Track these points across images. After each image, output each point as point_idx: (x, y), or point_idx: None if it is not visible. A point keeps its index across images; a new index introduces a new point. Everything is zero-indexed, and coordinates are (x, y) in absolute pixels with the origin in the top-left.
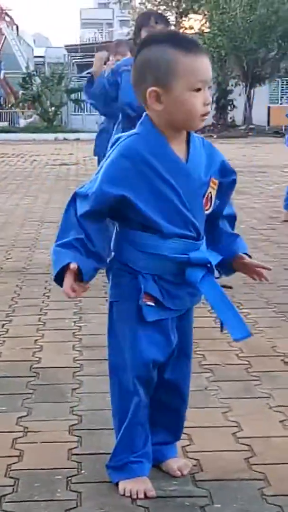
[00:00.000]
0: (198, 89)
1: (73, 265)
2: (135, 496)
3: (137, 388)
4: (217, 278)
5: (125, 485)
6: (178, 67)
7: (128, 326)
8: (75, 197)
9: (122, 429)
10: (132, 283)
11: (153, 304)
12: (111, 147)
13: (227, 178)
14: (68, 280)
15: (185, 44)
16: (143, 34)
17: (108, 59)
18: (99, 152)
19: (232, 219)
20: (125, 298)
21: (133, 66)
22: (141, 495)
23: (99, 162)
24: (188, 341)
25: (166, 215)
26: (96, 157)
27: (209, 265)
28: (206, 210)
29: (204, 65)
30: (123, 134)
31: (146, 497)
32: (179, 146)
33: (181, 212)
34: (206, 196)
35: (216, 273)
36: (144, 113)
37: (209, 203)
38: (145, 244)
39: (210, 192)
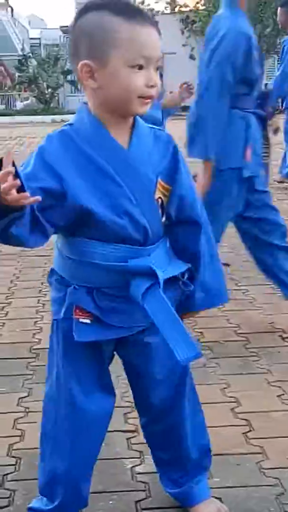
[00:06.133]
0: (140, 66)
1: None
2: None
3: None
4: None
5: None
6: (115, 36)
7: (65, 350)
8: None
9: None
10: (65, 297)
11: (88, 320)
12: None
13: (175, 191)
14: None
15: (128, 11)
16: None
17: None
18: None
19: (195, 228)
20: (61, 316)
21: (69, 37)
22: None
23: None
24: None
25: (106, 212)
26: None
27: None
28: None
29: (150, 38)
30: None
31: None
32: (120, 133)
33: (124, 206)
34: (156, 199)
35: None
36: (81, 102)
37: (160, 211)
38: (75, 250)
39: (160, 198)
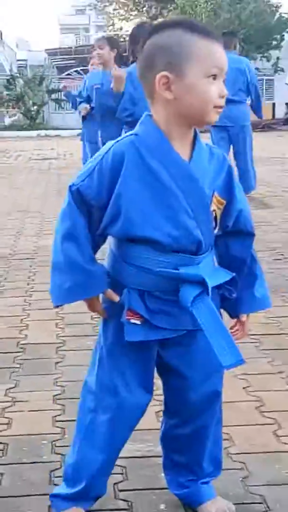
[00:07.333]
0: (214, 77)
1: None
2: None
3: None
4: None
5: None
6: (193, 50)
7: (114, 347)
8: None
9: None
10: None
11: (139, 322)
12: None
13: (233, 205)
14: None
15: (201, 29)
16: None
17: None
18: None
19: (248, 238)
20: (113, 316)
21: (141, 53)
22: None
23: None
24: (202, 372)
25: (164, 225)
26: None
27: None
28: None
29: (221, 51)
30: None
31: None
32: (183, 146)
33: (181, 219)
34: (211, 212)
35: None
36: (145, 113)
37: (214, 222)
38: (132, 256)
39: (215, 211)
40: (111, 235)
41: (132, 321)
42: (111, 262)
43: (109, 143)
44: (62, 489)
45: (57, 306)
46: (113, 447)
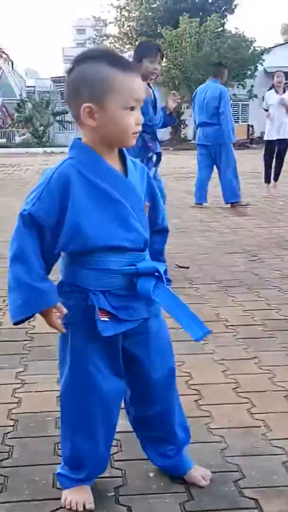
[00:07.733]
0: (132, 108)
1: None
2: (74, 508)
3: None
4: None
5: (67, 495)
6: (115, 84)
7: (84, 346)
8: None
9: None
10: (84, 302)
11: (107, 318)
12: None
13: (158, 206)
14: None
15: (122, 63)
16: (145, 63)
17: None
18: None
19: (166, 233)
20: (79, 319)
21: (66, 80)
22: (80, 508)
23: None
24: (159, 353)
25: (119, 231)
26: None
27: (157, 273)
28: None
29: (138, 85)
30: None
31: (84, 508)
32: (113, 162)
33: (132, 225)
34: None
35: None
36: (74, 138)
37: None
38: (92, 261)
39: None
40: (71, 252)
41: (102, 319)
42: (68, 271)
43: (49, 170)
44: (66, 471)
45: (16, 324)
46: (105, 433)
